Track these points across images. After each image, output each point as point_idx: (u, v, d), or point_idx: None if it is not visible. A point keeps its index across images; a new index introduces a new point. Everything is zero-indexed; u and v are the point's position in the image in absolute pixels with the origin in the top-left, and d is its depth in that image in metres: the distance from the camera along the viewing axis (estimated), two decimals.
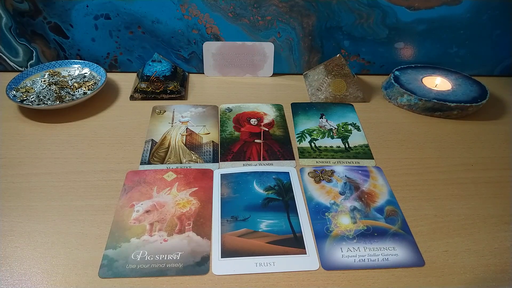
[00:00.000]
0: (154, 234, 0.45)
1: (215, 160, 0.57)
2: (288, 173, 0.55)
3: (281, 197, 0.51)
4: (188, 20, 0.71)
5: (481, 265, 0.44)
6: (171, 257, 0.43)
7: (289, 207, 0.49)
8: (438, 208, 0.51)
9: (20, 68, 0.76)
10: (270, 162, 0.57)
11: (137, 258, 0.42)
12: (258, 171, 0.55)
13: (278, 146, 0.60)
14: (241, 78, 0.78)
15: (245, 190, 0.52)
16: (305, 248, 0.44)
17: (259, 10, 0.71)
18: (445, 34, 0.75)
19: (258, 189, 0.52)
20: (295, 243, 0.45)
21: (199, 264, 0.42)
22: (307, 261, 0.43)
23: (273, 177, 0.54)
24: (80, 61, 0.73)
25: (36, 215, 0.47)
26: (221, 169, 0.55)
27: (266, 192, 0.51)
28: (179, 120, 0.65)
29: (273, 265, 0.43)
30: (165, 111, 0.66)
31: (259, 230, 0.46)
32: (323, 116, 0.67)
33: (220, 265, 0.42)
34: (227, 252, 0.44)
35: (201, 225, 0.47)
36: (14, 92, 0.65)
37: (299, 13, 0.71)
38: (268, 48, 0.75)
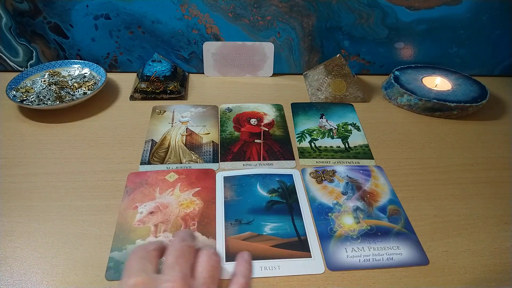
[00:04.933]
0: (159, 235, 0.45)
1: (215, 160, 0.57)
2: (291, 175, 0.54)
3: (285, 199, 0.51)
4: (188, 20, 0.71)
5: (481, 265, 0.44)
6: None
7: (293, 209, 0.49)
8: (438, 208, 0.51)
9: (20, 68, 0.76)
10: (270, 162, 0.57)
11: None
12: (261, 174, 0.54)
13: (278, 146, 0.60)
14: (241, 78, 0.78)
15: (248, 192, 0.51)
16: (310, 252, 0.44)
17: (259, 10, 0.71)
18: (445, 34, 0.75)
19: (262, 191, 0.52)
20: (300, 246, 0.45)
21: None
22: (312, 264, 0.43)
23: (277, 179, 0.54)
24: (80, 61, 0.73)
25: (36, 215, 0.47)
26: (224, 171, 0.55)
27: (269, 195, 0.51)
28: (179, 120, 0.64)
29: (278, 269, 0.42)
30: (165, 111, 0.66)
31: (264, 234, 0.46)
32: (323, 116, 0.67)
33: (224, 269, 0.42)
34: (232, 256, 0.43)
35: (206, 225, 0.47)
36: (14, 92, 0.65)
37: (299, 13, 0.71)
38: (268, 48, 0.75)
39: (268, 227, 0.47)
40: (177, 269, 0.30)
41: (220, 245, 0.44)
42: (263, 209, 0.49)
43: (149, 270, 0.31)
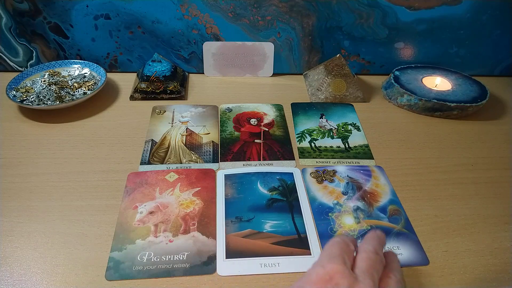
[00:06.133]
0: (159, 235, 0.45)
1: (215, 160, 0.57)
2: (292, 173, 0.54)
3: (285, 197, 0.51)
4: (188, 20, 0.71)
5: (481, 265, 0.44)
6: (178, 257, 0.43)
7: (293, 207, 0.49)
8: (438, 208, 0.51)
9: (20, 68, 0.76)
10: (270, 162, 0.57)
11: (143, 260, 0.42)
12: (262, 172, 0.54)
13: (278, 146, 0.60)
14: (241, 78, 0.78)
15: (249, 190, 0.51)
16: (309, 249, 0.44)
17: (259, 10, 0.71)
18: (445, 34, 0.75)
19: (262, 189, 0.52)
20: (299, 244, 0.45)
21: (206, 264, 0.42)
22: (312, 261, 0.42)
23: (277, 177, 0.54)
24: (80, 61, 0.73)
25: (36, 215, 0.47)
26: (225, 169, 0.55)
27: (270, 193, 0.51)
28: (179, 120, 0.64)
29: (278, 266, 0.42)
30: (165, 111, 0.66)
31: (264, 231, 0.46)
32: (323, 116, 0.67)
33: (224, 266, 0.42)
34: (232, 253, 0.43)
35: (206, 225, 0.47)
36: (14, 92, 0.65)
37: (299, 13, 0.71)
38: (268, 48, 0.75)
39: (268, 225, 0.47)
40: (371, 278, 0.30)
41: (220, 242, 0.44)
42: (264, 206, 0.49)
43: (348, 265, 0.31)
